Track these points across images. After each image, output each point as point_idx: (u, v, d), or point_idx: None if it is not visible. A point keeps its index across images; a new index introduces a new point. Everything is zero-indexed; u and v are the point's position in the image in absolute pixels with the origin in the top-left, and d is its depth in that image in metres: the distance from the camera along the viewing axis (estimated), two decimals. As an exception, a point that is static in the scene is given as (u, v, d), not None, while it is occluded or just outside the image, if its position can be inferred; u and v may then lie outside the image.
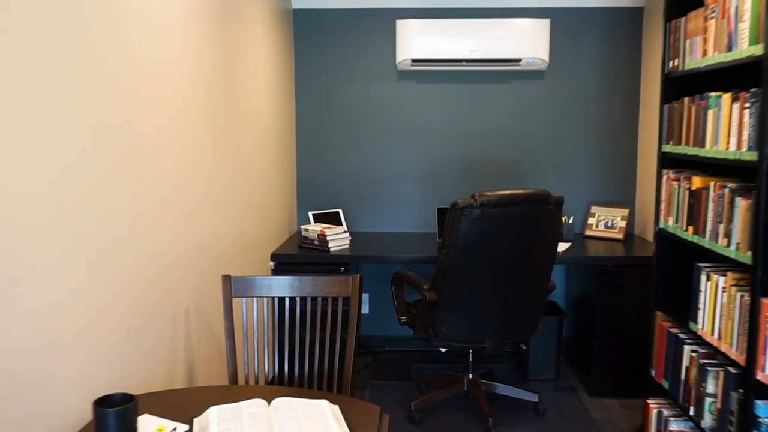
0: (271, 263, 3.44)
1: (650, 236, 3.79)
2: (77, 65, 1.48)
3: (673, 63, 2.67)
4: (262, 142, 3.23)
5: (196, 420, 1.47)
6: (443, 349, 3.13)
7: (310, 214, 3.83)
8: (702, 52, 2.40)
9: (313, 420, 1.42)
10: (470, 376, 3.31)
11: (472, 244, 2.81)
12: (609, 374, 3.45)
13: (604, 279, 3.39)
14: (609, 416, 3.26)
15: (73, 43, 1.46)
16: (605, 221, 3.89)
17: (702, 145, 2.37)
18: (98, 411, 1.29)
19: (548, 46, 3.74)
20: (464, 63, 3.80)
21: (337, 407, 1.53)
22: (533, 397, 3.28)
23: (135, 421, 1.32)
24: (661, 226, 2.75)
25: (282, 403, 1.51)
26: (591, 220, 3.94)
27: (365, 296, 4.20)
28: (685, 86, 2.69)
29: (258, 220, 3.14)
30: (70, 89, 1.46)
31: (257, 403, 1.50)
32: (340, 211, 3.94)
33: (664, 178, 2.72)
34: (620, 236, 3.81)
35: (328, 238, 3.49)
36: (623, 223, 3.82)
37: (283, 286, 2.17)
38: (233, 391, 1.66)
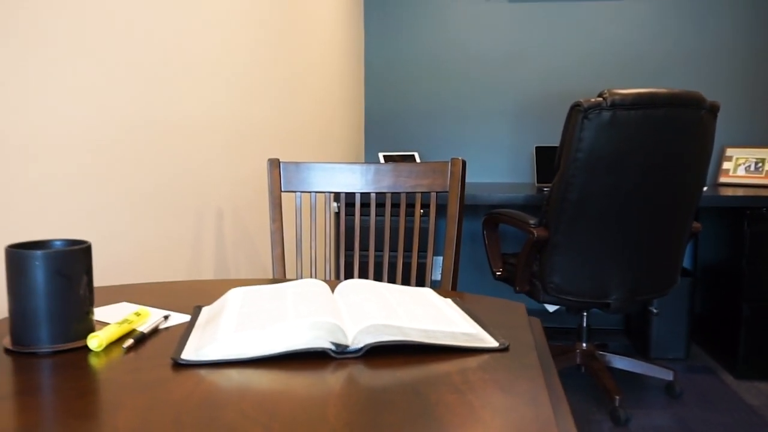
0: (335, 204, 2.82)
1: (808, 182, 2.99)
2: None
3: None
4: (325, 69, 2.62)
5: (206, 308, 0.85)
6: (552, 308, 2.44)
7: (380, 155, 3.20)
8: None
9: (412, 306, 0.77)
10: (584, 345, 2.60)
11: (599, 161, 2.12)
12: (763, 351, 2.67)
13: (758, 227, 2.63)
14: (769, 402, 2.49)
15: None
16: (746, 165, 3.11)
17: None
18: (14, 257, 0.68)
19: (676, -55, 3.02)
20: (569, -29, 3.11)
21: (449, 299, 0.88)
22: (666, 375, 2.54)
23: (83, 281, 0.71)
24: None
25: (354, 284, 0.87)
26: (727, 165, 3.17)
27: (438, 260, 3.52)
28: None
29: (317, 157, 2.51)
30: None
31: (311, 282, 0.86)
32: (416, 155, 3.29)
33: None
34: (769, 181, 3.03)
35: (403, 176, 2.84)
36: (772, 166, 3.04)
37: (353, 177, 1.54)
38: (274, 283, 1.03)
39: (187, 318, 0.82)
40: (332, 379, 0.62)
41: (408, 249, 2.90)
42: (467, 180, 3.46)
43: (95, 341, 0.69)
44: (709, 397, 2.53)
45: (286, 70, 2.08)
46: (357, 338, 0.67)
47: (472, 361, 0.66)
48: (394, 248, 2.70)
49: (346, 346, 0.67)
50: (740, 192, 2.85)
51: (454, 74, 3.40)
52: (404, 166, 1.51)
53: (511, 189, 3.05)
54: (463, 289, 3.53)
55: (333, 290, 0.88)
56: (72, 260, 0.69)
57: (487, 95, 3.40)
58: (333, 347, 0.67)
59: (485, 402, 0.56)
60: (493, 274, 2.60)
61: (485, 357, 0.67)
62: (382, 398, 0.57)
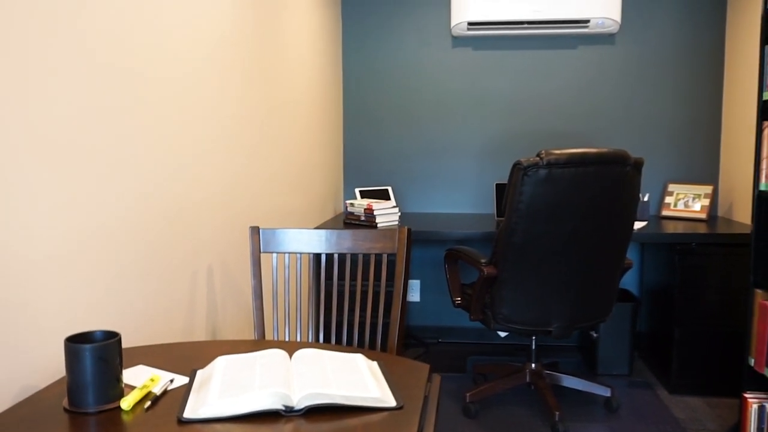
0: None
1: (738, 216, 3.35)
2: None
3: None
4: (305, 111, 2.97)
5: (199, 372, 1.19)
6: (503, 334, 2.79)
7: (356, 190, 3.54)
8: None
9: (342, 373, 1.11)
10: (533, 366, 2.95)
11: (537, 211, 2.47)
12: (692, 369, 3.03)
13: (688, 260, 2.98)
14: (694, 415, 2.84)
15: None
16: (685, 200, 3.47)
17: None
18: (71, 348, 1.02)
19: (620, 4, 3.37)
20: (526, 26, 3.46)
21: (375, 363, 1.22)
22: (605, 391, 2.89)
23: (116, 361, 1.04)
24: (762, 188, 2.35)
25: (306, 354, 1.21)
26: (668, 199, 3.53)
27: (415, 283, 3.87)
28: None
29: (299, 195, 2.86)
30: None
31: (275, 353, 1.20)
32: (390, 189, 3.64)
33: (765, 132, 2.33)
34: (703, 216, 3.39)
35: (375, 213, 3.19)
36: (706, 201, 3.40)
37: (319, 240, 1.88)
38: (253, 345, 1.37)
39: (186, 380, 1.16)
40: (283, 431, 0.96)
41: (366, 279, 3.23)
42: (436, 210, 3.80)
43: (126, 403, 1.03)
44: (642, 411, 2.88)
45: (268, 122, 2.42)
46: (300, 401, 1.01)
47: (375, 417, 1.00)
48: (354, 278, 3.05)
49: (292, 407, 1.01)
50: (680, 225, 3.21)
51: (424, 115, 3.75)
52: (361, 232, 1.85)
53: (474, 220, 3.40)
54: (431, 310, 3.87)
55: (292, 355, 1.22)
56: (109, 349, 1.03)
57: (453, 134, 3.75)
58: (284, 408, 1.01)
59: (374, 449, 0.90)
60: (453, 302, 2.95)
61: (385, 414, 1.01)
62: (310, 446, 0.91)
